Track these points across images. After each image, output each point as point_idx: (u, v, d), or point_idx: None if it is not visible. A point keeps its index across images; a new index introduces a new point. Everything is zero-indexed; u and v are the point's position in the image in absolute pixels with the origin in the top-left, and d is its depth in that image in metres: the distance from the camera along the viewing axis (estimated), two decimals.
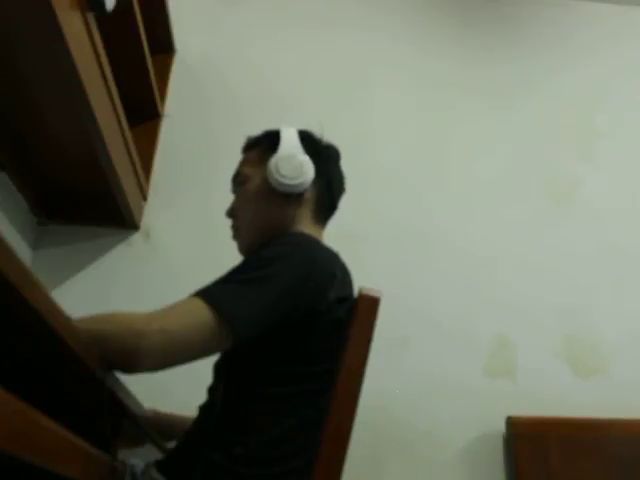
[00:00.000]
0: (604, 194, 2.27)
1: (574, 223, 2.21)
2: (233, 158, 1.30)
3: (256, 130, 1.30)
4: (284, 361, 1.05)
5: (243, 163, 1.27)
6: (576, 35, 2.53)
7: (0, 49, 1.33)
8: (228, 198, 1.28)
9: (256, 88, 2.27)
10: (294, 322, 1.03)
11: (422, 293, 2.04)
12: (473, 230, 2.15)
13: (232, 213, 1.25)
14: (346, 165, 1.31)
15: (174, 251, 2.01)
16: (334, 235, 1.29)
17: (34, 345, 0.70)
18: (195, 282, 1.02)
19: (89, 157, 1.62)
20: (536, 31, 2.53)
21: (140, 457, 1.05)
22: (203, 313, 0.95)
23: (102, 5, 1.23)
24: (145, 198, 2.05)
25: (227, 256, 1.18)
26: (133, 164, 1.81)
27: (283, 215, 1.19)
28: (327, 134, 1.29)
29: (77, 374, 0.79)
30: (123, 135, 1.65)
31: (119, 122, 1.59)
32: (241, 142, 1.31)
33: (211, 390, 1.15)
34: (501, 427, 1.89)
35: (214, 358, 1.13)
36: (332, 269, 1.09)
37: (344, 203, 1.30)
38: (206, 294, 0.97)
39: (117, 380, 0.94)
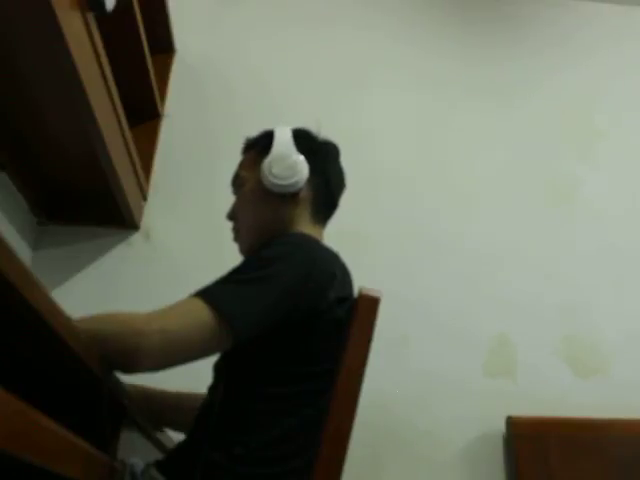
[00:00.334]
0: (604, 194, 2.27)
1: (574, 223, 2.21)
2: (233, 158, 1.30)
3: (256, 130, 1.30)
4: (284, 361, 1.05)
5: (240, 166, 1.28)
6: (576, 35, 2.53)
7: (0, 49, 1.33)
8: (228, 198, 1.28)
9: (256, 88, 2.27)
10: (294, 322, 1.03)
11: (422, 292, 2.04)
12: (473, 229, 2.15)
13: (232, 215, 1.26)
14: (346, 165, 1.31)
15: (174, 251, 2.01)
16: (334, 235, 1.29)
17: (34, 345, 0.70)
18: (195, 282, 1.02)
19: (89, 157, 1.62)
20: (536, 30, 2.53)
21: (140, 457, 1.05)
22: (203, 313, 0.95)
23: (102, 5, 1.23)
24: (145, 198, 2.05)
25: (227, 256, 1.19)
26: (133, 164, 1.81)
27: (280, 215, 1.19)
28: (327, 133, 1.28)
29: (77, 374, 0.79)
30: (123, 135, 1.65)
31: (119, 122, 1.59)
32: (241, 142, 1.31)
33: (211, 390, 1.15)
34: (501, 427, 1.89)
35: (214, 358, 1.13)
36: (332, 269, 1.09)
37: (344, 202, 1.30)
38: (206, 294, 0.97)
39: (117, 380, 0.94)
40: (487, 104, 2.37)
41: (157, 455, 1.17)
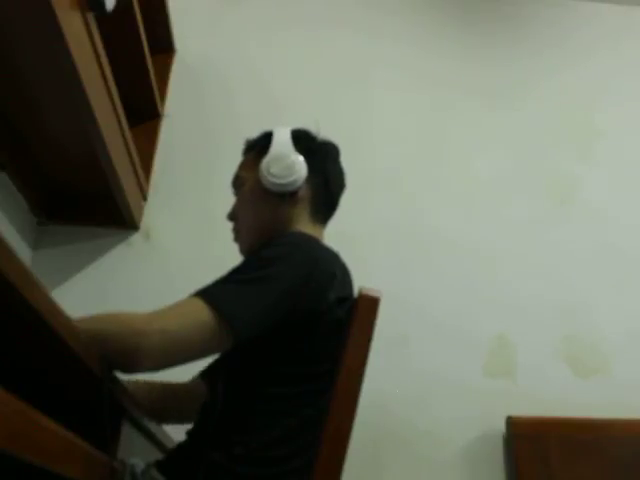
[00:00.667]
0: (604, 194, 2.26)
1: (574, 223, 2.21)
2: (233, 158, 1.30)
3: (256, 130, 1.30)
4: (284, 361, 1.05)
5: (240, 167, 1.28)
6: (576, 35, 2.53)
7: (0, 49, 1.33)
8: (228, 198, 1.28)
9: (256, 88, 2.27)
10: (294, 322, 1.03)
11: (422, 292, 2.04)
12: (473, 230, 2.15)
13: (233, 216, 1.26)
14: (346, 165, 1.31)
15: (174, 251, 2.01)
16: (334, 235, 1.29)
17: (34, 345, 0.70)
18: (195, 282, 1.02)
19: (89, 157, 1.62)
20: (536, 31, 2.53)
21: (140, 457, 1.05)
22: (203, 313, 0.95)
23: (102, 5, 1.23)
24: (145, 198, 2.05)
25: (227, 256, 1.19)
26: (133, 164, 1.81)
27: (279, 215, 1.19)
28: (327, 134, 1.28)
29: (77, 374, 0.79)
30: (123, 135, 1.65)
31: (119, 122, 1.59)
32: (241, 142, 1.31)
33: (211, 390, 1.15)
34: (501, 427, 1.89)
35: (214, 358, 1.13)
36: (332, 269, 1.09)
37: (344, 203, 1.30)
38: (206, 294, 0.97)
39: (117, 380, 0.94)
40: (487, 104, 2.37)
41: (157, 455, 1.17)
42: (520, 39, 2.52)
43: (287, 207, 1.19)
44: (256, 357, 1.05)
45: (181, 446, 1.10)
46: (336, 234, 1.31)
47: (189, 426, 1.13)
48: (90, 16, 1.26)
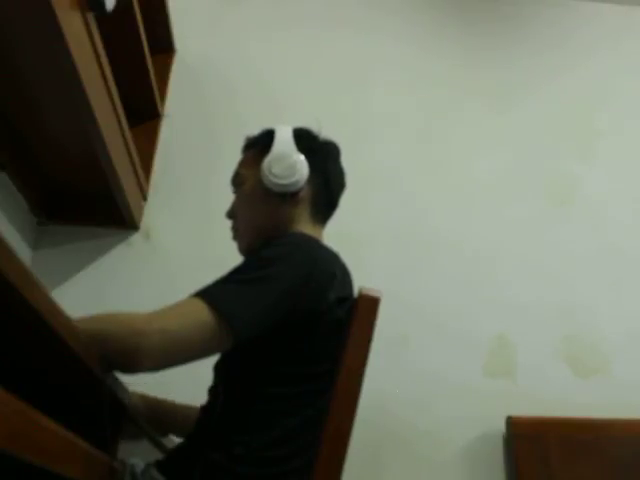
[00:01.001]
0: (604, 194, 2.26)
1: (574, 223, 2.21)
2: (233, 158, 1.30)
3: (256, 130, 1.30)
4: (284, 361, 1.05)
5: (240, 164, 1.28)
6: (576, 35, 2.53)
7: (0, 49, 1.33)
8: (228, 198, 1.28)
9: (256, 88, 2.27)
10: (294, 322, 1.03)
11: (422, 292, 2.04)
12: (473, 230, 2.15)
13: (232, 214, 1.26)
14: (346, 165, 1.31)
15: (174, 251, 2.01)
16: (334, 235, 1.29)
17: (34, 345, 0.70)
18: (195, 282, 1.02)
19: (89, 157, 1.62)
20: (536, 31, 2.53)
21: (140, 457, 1.06)
22: (203, 313, 0.95)
23: (102, 5, 1.23)
24: (145, 198, 2.05)
25: (227, 256, 1.19)
26: (133, 164, 1.81)
27: (280, 215, 1.19)
28: (327, 134, 1.28)
29: (77, 374, 0.79)
30: (123, 135, 1.65)
31: (119, 122, 1.59)
32: (241, 142, 1.31)
33: (211, 390, 1.15)
34: (501, 427, 1.89)
35: (214, 358, 1.13)
36: (332, 269, 1.09)
37: (344, 203, 1.30)
38: (206, 294, 0.97)
39: (117, 380, 0.94)
40: (487, 104, 2.37)
41: (157, 455, 1.17)
42: (520, 39, 2.51)
43: (288, 207, 1.19)
44: (256, 357, 1.05)
45: (181, 446, 1.10)
46: (336, 234, 1.31)
47: None
48: (90, 16, 1.26)
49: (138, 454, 1.09)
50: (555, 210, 2.22)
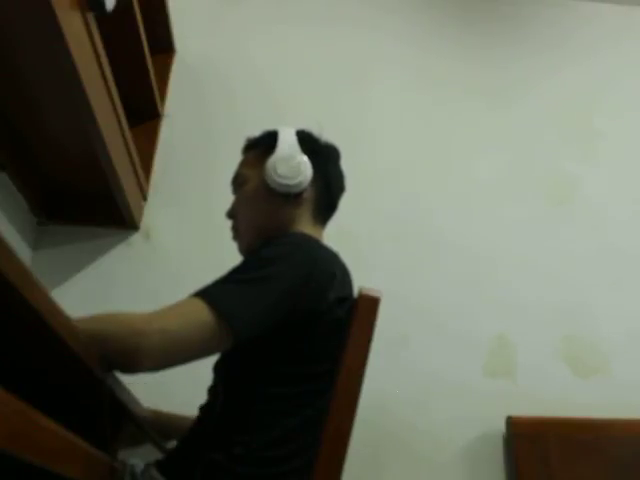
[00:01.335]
0: (604, 194, 2.26)
1: (574, 223, 2.21)
2: (233, 158, 1.30)
3: (256, 130, 1.30)
4: (284, 361, 1.05)
5: (242, 164, 1.28)
6: (576, 35, 2.53)
7: (0, 49, 1.33)
8: (228, 198, 1.28)
9: (256, 88, 2.27)
10: (294, 322, 1.03)
11: (422, 292, 2.04)
12: (473, 229, 2.15)
13: (232, 214, 1.26)
14: (346, 164, 1.31)
15: (174, 251, 2.01)
16: (334, 235, 1.29)
17: (34, 345, 0.70)
18: (195, 282, 1.02)
19: (89, 157, 1.62)
20: (536, 31, 2.53)
21: (140, 457, 1.06)
22: (203, 313, 0.95)
23: (102, 5, 1.23)
24: (145, 198, 2.05)
25: (227, 256, 1.19)
26: (133, 164, 1.81)
27: (282, 215, 1.19)
28: (327, 134, 1.28)
29: (77, 374, 0.79)
30: (123, 135, 1.65)
31: (119, 122, 1.59)
32: (241, 142, 1.31)
33: (211, 390, 1.15)
34: (501, 427, 1.89)
35: (214, 358, 1.13)
36: (332, 269, 1.09)
37: (344, 202, 1.30)
38: (206, 294, 0.97)
39: (117, 380, 0.94)
40: (487, 104, 2.37)
41: (157, 455, 1.17)
42: (520, 39, 2.52)
43: (290, 208, 1.19)
44: (256, 357, 1.05)
45: (181, 446, 1.10)
46: (336, 233, 1.31)
47: None
48: (90, 16, 1.26)
49: (138, 454, 1.10)
50: (555, 210, 2.22)
